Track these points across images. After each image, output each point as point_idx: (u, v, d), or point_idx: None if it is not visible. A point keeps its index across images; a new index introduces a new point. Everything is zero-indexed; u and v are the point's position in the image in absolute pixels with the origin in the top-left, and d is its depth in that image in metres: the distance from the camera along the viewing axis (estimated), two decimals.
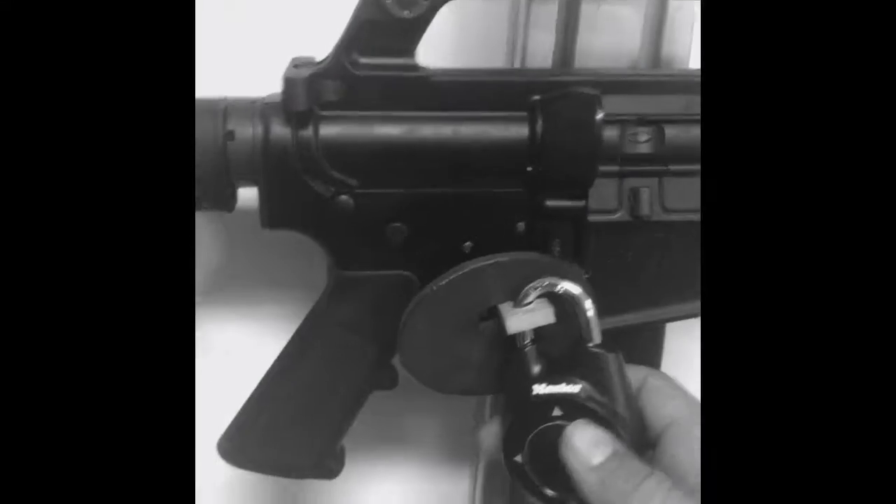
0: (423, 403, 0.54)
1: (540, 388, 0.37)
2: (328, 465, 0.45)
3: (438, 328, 0.40)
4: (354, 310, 0.43)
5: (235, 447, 0.44)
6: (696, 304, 0.41)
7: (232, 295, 0.52)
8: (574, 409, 0.37)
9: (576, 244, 0.41)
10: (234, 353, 0.52)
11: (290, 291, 0.50)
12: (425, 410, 0.55)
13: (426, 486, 0.55)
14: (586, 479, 0.36)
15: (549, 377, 0.37)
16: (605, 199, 0.41)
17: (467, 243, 0.42)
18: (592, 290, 0.39)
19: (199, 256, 0.50)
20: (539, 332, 0.39)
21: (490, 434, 0.40)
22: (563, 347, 0.39)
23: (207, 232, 0.51)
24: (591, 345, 0.38)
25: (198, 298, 0.50)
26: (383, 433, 0.54)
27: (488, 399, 0.53)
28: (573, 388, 0.37)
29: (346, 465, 0.46)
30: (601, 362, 0.38)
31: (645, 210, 0.40)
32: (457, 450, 0.55)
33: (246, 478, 0.50)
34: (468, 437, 0.55)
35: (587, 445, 0.36)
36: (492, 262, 0.39)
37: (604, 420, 0.36)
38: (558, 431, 0.37)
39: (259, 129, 0.39)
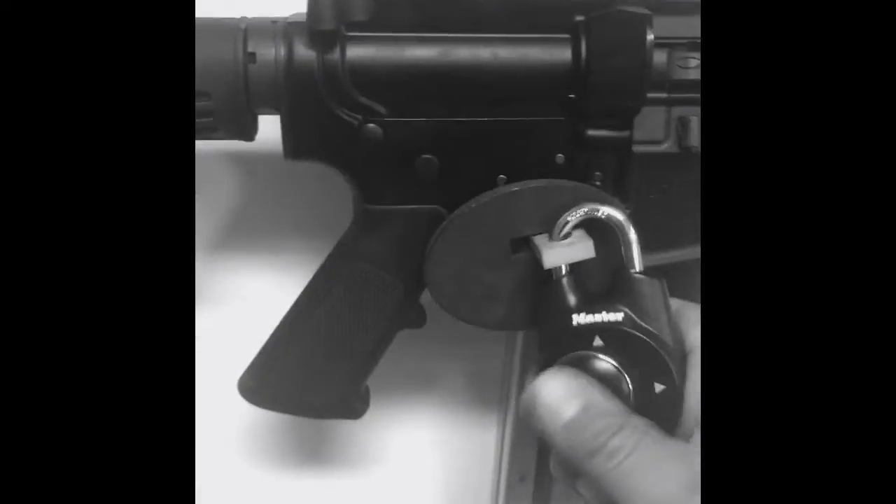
0: (451, 347, 0.52)
1: (580, 318, 0.35)
2: (353, 406, 0.44)
3: (468, 255, 0.38)
4: (382, 246, 0.41)
5: (257, 386, 0.43)
6: None
7: (251, 240, 0.50)
8: (617, 336, 0.35)
9: (618, 176, 0.39)
10: (254, 299, 0.50)
11: (311, 237, 0.48)
12: (453, 354, 0.53)
13: (453, 431, 0.54)
14: (556, 439, 0.33)
15: (589, 306, 0.36)
16: (651, 129, 0.39)
17: (501, 176, 0.39)
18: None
19: (217, 201, 0.49)
20: (575, 265, 0.37)
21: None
22: (600, 278, 0.37)
23: (225, 176, 0.49)
24: (633, 271, 0.36)
25: (215, 243, 0.50)
26: (410, 376, 0.52)
27: (518, 347, 0.51)
28: (615, 316, 0.35)
29: (370, 407, 0.45)
30: (644, 288, 0.36)
31: (693, 141, 0.38)
32: (485, 396, 0.54)
33: (268, 419, 0.49)
34: (497, 383, 0.53)
35: (557, 400, 0.33)
36: (527, 187, 0.38)
37: (649, 347, 0.35)
38: (598, 364, 0.35)
39: (282, 51, 0.37)
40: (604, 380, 0.35)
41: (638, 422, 0.33)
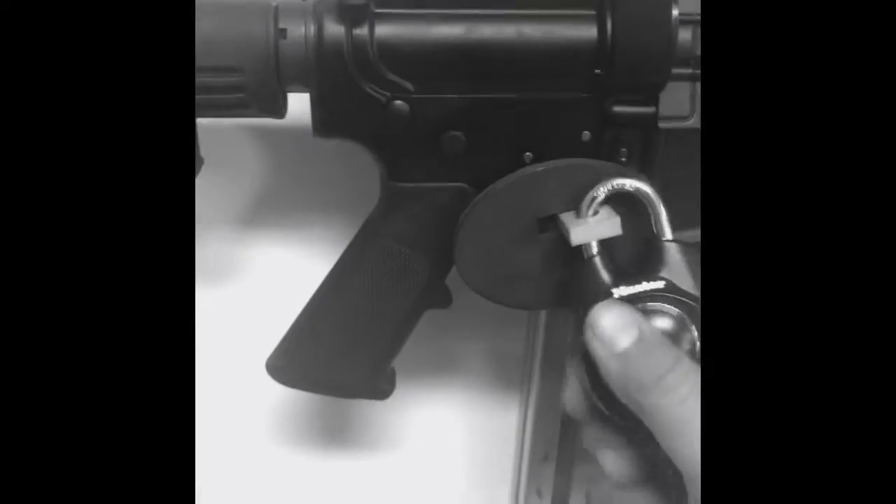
0: (474, 328, 0.53)
1: (621, 290, 0.35)
2: (379, 386, 0.44)
3: (496, 235, 0.39)
4: (408, 223, 0.41)
5: (285, 365, 0.43)
6: None
7: (279, 216, 0.51)
8: (660, 303, 0.35)
9: (644, 153, 0.39)
10: (281, 276, 0.51)
11: (339, 213, 0.49)
12: (476, 335, 0.53)
13: (476, 412, 0.55)
14: (609, 367, 0.33)
15: (626, 279, 0.35)
16: (676, 105, 0.39)
17: (527, 153, 0.39)
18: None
19: (245, 177, 0.49)
20: (604, 242, 0.37)
21: (572, 393, 0.38)
22: (629, 255, 0.37)
23: (253, 152, 0.49)
24: (665, 239, 0.36)
25: (244, 219, 0.50)
26: (433, 357, 0.53)
27: (541, 328, 0.52)
28: (657, 284, 0.35)
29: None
30: (678, 255, 0.36)
31: None
32: (507, 376, 0.54)
33: (295, 398, 0.50)
34: (519, 363, 0.54)
35: (613, 329, 0.33)
36: (553, 166, 0.38)
37: (694, 310, 0.34)
38: (659, 320, 0.35)
39: (312, 28, 0.37)
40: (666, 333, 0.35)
41: (691, 364, 0.33)
